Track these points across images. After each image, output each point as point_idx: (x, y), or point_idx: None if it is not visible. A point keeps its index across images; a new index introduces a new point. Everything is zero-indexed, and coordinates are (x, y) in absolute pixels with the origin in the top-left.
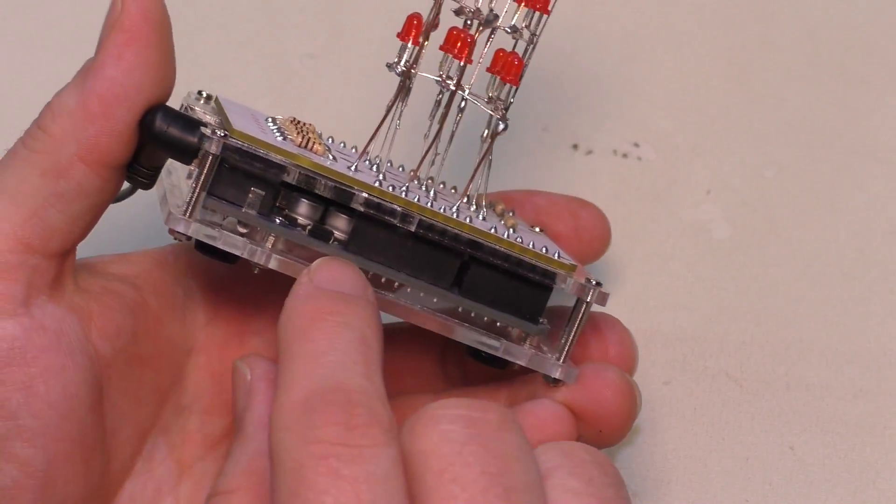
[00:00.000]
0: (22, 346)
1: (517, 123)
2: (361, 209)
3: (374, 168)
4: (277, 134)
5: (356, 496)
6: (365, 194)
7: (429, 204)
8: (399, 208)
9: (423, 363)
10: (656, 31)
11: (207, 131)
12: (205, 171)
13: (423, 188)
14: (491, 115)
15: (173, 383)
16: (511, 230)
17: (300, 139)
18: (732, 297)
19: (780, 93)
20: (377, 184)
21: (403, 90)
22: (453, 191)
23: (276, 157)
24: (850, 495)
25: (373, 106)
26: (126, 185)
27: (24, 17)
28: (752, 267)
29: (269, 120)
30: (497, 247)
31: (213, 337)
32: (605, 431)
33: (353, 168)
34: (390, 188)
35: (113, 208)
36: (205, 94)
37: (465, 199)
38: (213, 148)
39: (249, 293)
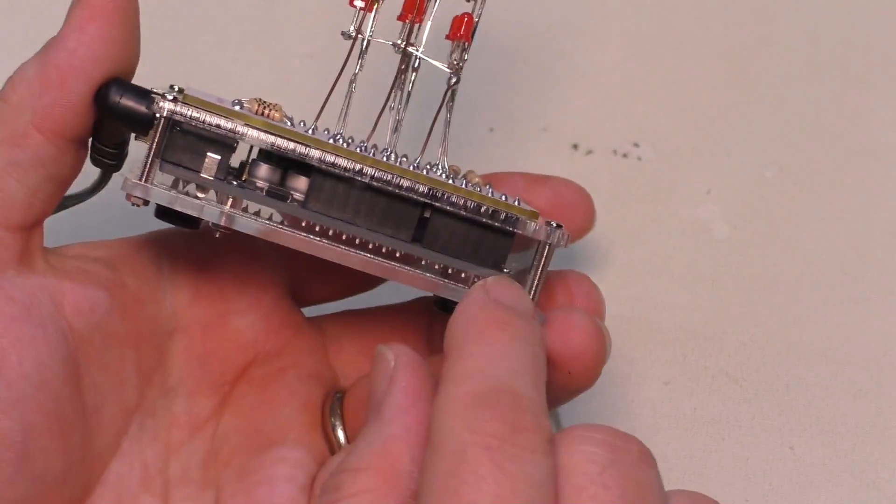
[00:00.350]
0: None
1: (517, 123)
2: (315, 165)
3: (330, 137)
4: (236, 106)
5: (513, 491)
6: (318, 152)
7: (384, 159)
8: (353, 164)
9: (409, 339)
10: (656, 31)
11: (158, 96)
12: (157, 135)
13: (382, 152)
14: (444, 69)
15: (157, 364)
16: (471, 186)
17: (257, 107)
18: (732, 297)
19: (780, 93)
20: (331, 141)
21: (359, 56)
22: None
23: (228, 120)
24: (850, 495)
25: (372, 106)
26: (99, 174)
27: (25, 18)
28: (752, 267)
29: (235, 103)
30: (455, 196)
31: (197, 318)
32: (574, 373)
33: (308, 132)
34: (344, 145)
35: (93, 206)
36: (176, 88)
37: (422, 155)
38: (165, 111)
39: (232, 274)
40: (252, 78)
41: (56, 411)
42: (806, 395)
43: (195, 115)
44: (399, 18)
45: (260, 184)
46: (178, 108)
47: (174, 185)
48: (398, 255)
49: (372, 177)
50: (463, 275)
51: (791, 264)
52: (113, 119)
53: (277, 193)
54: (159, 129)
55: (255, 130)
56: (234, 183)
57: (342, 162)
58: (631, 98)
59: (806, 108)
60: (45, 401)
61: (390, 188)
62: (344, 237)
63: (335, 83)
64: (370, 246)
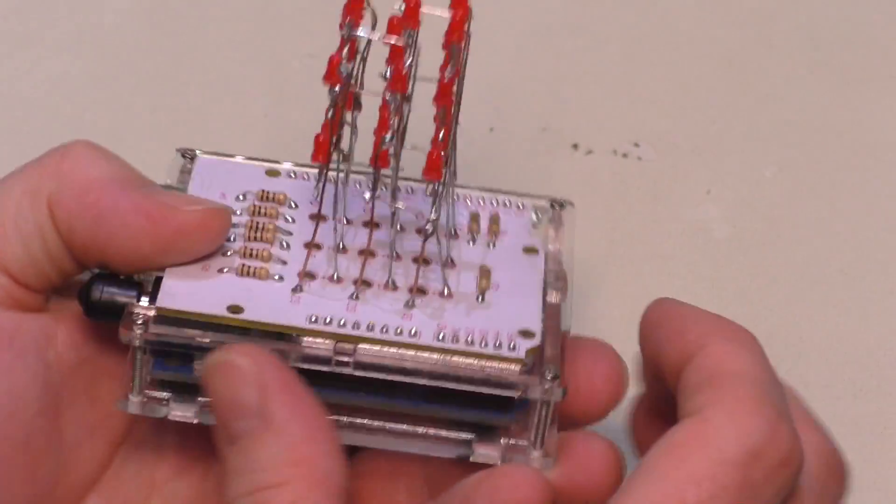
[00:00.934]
0: None
1: (517, 123)
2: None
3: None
4: (229, 242)
5: None
6: (289, 351)
7: (367, 325)
8: (331, 350)
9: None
10: (656, 31)
11: (128, 320)
12: (138, 360)
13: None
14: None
15: None
16: (481, 296)
17: (244, 257)
18: (732, 297)
19: (780, 93)
20: (309, 320)
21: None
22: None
23: (199, 341)
24: (850, 494)
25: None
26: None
27: (24, 18)
28: (752, 267)
29: (242, 197)
30: (436, 371)
31: None
32: (591, 502)
33: (298, 288)
34: (327, 319)
35: None
36: (189, 156)
37: (410, 301)
38: (137, 341)
39: None
40: (252, 78)
41: (25, 443)
42: (806, 395)
43: (171, 333)
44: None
45: None
46: (151, 331)
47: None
48: (415, 422)
49: (355, 366)
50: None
51: (791, 264)
52: (94, 315)
53: None
54: (138, 357)
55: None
56: None
57: (321, 356)
58: (631, 98)
59: (806, 108)
60: (14, 432)
61: (396, 377)
62: (341, 417)
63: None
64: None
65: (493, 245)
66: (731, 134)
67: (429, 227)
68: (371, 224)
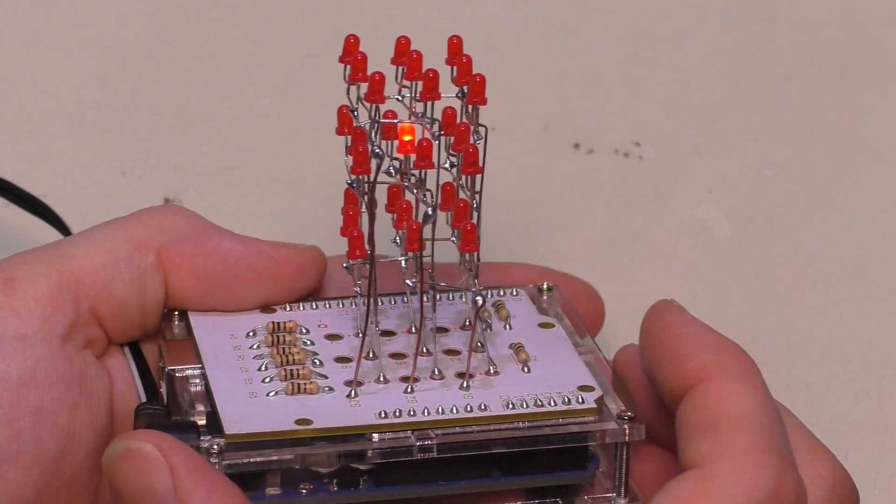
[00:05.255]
0: (45, 369)
1: (518, 123)
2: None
3: (372, 364)
4: (262, 371)
5: None
6: (369, 449)
7: (438, 409)
8: (411, 438)
9: None
10: (656, 31)
11: (206, 453)
12: None
13: (428, 377)
14: (468, 292)
15: None
16: (526, 367)
17: (286, 379)
18: (733, 297)
19: (780, 93)
20: (379, 416)
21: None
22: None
23: (282, 458)
24: None
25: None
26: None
27: (24, 17)
28: (753, 266)
29: (252, 334)
30: (516, 435)
31: None
32: None
33: (352, 394)
34: (396, 412)
35: None
36: (177, 314)
37: (467, 379)
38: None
39: None
40: (252, 77)
41: (70, 480)
42: (806, 395)
43: (249, 458)
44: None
45: (324, 471)
46: (225, 461)
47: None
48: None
49: (438, 450)
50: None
51: (791, 264)
52: None
53: (347, 480)
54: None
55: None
56: (303, 491)
57: (401, 447)
58: (632, 97)
59: (806, 108)
60: (64, 469)
61: (481, 451)
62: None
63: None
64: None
65: (510, 326)
66: (732, 134)
67: (478, 300)
68: (415, 303)
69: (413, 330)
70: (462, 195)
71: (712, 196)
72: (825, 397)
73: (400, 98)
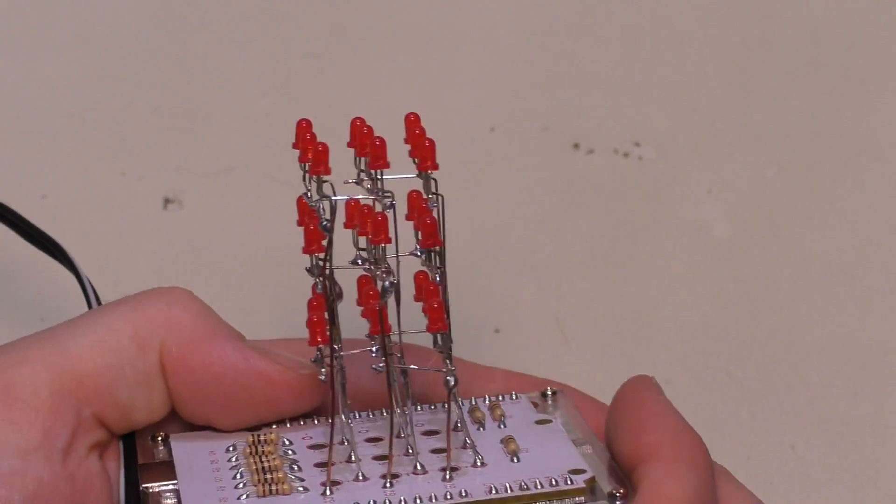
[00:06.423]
0: (47, 494)
1: (518, 123)
2: None
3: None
4: (236, 479)
5: None
6: None
7: (414, 499)
8: None
9: None
10: (656, 31)
11: None
12: None
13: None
14: (440, 372)
15: None
16: (515, 457)
17: (259, 483)
18: (733, 297)
19: (780, 93)
20: None
21: (338, 385)
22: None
23: None
24: (850, 494)
25: (373, 106)
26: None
27: (24, 17)
28: (753, 266)
29: (232, 448)
30: None
31: None
32: None
33: (327, 492)
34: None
35: None
36: (159, 438)
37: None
38: None
39: None
40: (252, 77)
41: None
42: (807, 395)
43: None
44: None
45: None
46: None
47: None
48: None
49: None
50: None
51: (791, 264)
52: None
53: None
54: None
55: None
56: None
57: None
58: (632, 97)
59: (806, 108)
60: None
61: None
62: None
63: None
64: None
65: (504, 425)
66: (732, 134)
67: (450, 380)
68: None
69: (401, 435)
70: (427, 271)
71: (712, 196)
72: (826, 396)
73: (355, 181)
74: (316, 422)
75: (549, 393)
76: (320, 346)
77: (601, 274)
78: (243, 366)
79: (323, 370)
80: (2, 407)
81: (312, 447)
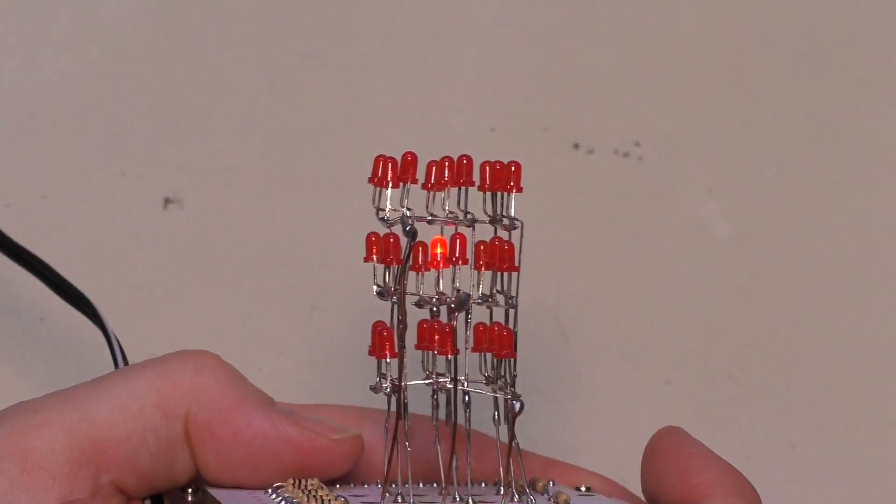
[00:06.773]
0: None
1: (518, 123)
2: None
3: None
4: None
5: None
6: None
7: None
8: None
9: None
10: (656, 31)
11: None
12: None
13: None
14: (503, 398)
15: None
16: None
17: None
18: (732, 297)
19: (780, 93)
20: None
21: (400, 408)
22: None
23: None
24: (850, 494)
25: (373, 105)
26: None
27: (24, 17)
28: (753, 266)
29: (272, 493)
30: None
31: None
32: None
33: None
34: None
35: None
36: (189, 491)
37: None
38: None
39: None
40: (252, 77)
41: None
42: (807, 394)
43: None
44: (417, 347)
45: None
46: None
47: None
48: None
49: None
50: None
51: (791, 264)
52: None
53: None
54: None
55: None
56: None
57: None
58: (632, 97)
59: (806, 108)
60: None
61: None
62: None
63: (392, 448)
64: None
65: (548, 493)
66: (732, 134)
67: (516, 404)
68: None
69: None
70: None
71: (711, 196)
72: (826, 396)
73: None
74: (351, 484)
75: (584, 489)
76: (379, 366)
77: (601, 274)
78: (272, 433)
79: (386, 386)
80: (19, 472)
81: (356, 495)
